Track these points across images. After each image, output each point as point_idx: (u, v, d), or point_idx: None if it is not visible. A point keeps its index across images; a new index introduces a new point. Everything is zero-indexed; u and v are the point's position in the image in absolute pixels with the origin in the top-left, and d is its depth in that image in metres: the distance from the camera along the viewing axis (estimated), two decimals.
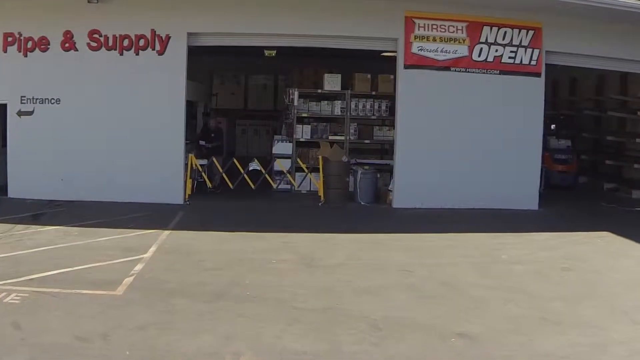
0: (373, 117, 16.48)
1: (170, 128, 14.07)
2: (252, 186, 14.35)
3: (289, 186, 15.91)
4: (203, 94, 20.64)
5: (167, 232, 10.90)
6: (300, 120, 16.19)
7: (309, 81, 17.96)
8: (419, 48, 14.27)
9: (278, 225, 11.97)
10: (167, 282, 7.91)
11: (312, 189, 15.70)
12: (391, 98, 15.43)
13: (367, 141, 16.66)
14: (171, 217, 12.33)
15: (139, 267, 8.53)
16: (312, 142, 16.40)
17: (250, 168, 14.04)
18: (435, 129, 14.52)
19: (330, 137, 16.17)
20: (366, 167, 15.30)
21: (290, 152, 15.94)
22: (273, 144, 16.37)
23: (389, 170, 15.91)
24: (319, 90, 16.19)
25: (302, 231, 11.42)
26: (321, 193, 14.43)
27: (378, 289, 7.96)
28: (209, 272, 8.52)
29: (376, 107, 16.41)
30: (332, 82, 16.10)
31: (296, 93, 15.75)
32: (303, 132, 15.97)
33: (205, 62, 22.62)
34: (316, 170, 15.57)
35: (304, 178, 15.66)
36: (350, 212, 14.23)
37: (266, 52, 20.89)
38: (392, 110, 16.14)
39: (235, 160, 14.26)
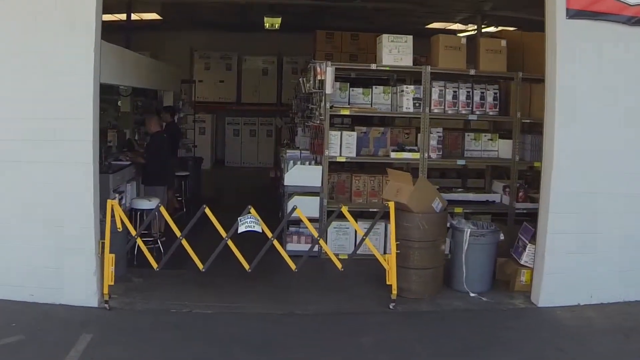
0: (472, 116, 8.31)
1: (65, 137, 5.93)
2: (246, 266, 6.17)
3: (315, 250, 7.77)
4: (173, 79, 12.34)
5: None
6: (335, 122, 8.05)
7: (341, 52, 9.83)
8: None
9: None
10: None
11: (362, 253, 7.66)
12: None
13: (461, 162, 8.48)
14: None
15: None
16: (358, 163, 8.34)
17: (242, 230, 5.90)
18: (635, 143, 6.46)
19: (393, 155, 8.02)
20: (474, 220, 7.24)
21: (319, 183, 7.76)
22: (285, 165, 8.14)
23: (497, 218, 8.01)
24: (373, 66, 7.95)
25: None
26: (392, 280, 6.28)
27: None
28: None
29: (477, 98, 8.28)
30: (398, 51, 7.91)
31: (329, 71, 7.56)
32: (343, 145, 7.79)
33: (184, 38, 16.36)
34: (366, 215, 7.65)
35: (357, 241, 7.64)
36: (454, 326, 6.14)
37: (266, 22, 13.17)
38: (503, 102, 8.16)
39: (207, 212, 6.07)
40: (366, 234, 6.32)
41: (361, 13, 11.48)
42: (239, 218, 6.07)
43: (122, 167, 7.81)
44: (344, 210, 6.25)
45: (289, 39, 16.13)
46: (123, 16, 13.11)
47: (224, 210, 10.56)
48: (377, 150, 8.08)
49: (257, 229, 6.01)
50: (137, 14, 13.88)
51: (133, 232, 6.07)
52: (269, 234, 6.14)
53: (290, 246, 7.80)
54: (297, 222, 7.91)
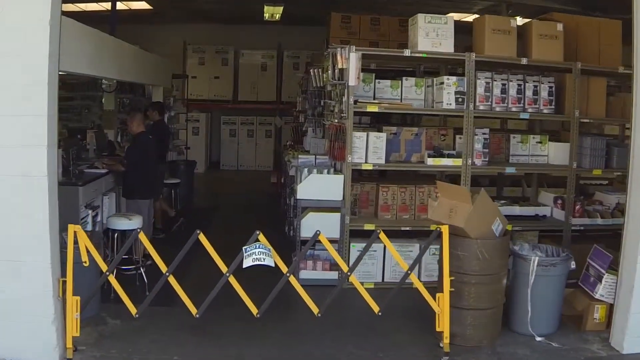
0: (524, 114, 6.77)
1: (7, 143, 4.33)
2: (254, 310, 4.62)
3: (334, 278, 6.25)
4: (163, 73, 10.73)
5: None
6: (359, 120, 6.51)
7: (359, 39, 8.25)
8: None
9: None
10: None
11: (389, 278, 6.20)
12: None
13: (510, 170, 6.92)
14: None
15: None
16: (380, 171, 6.78)
17: (248, 264, 4.35)
18: None
19: (430, 162, 6.47)
20: (536, 244, 5.72)
21: (340, 197, 6.18)
22: (298, 174, 6.53)
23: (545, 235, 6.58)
24: (407, 52, 6.37)
25: None
26: (444, 326, 4.73)
27: None
28: None
29: (529, 92, 6.75)
30: (437, 34, 6.37)
31: (354, 58, 5.98)
32: (370, 150, 6.22)
33: (176, 31, 14.96)
34: (392, 234, 6.15)
35: (386, 265, 6.12)
36: None
37: (266, 12, 12.64)
38: (559, 98, 6.69)
39: (201, 239, 4.51)
40: (411, 268, 4.76)
41: (372, 1, 9.96)
42: (244, 248, 4.51)
43: (97, 176, 6.24)
44: (383, 238, 4.70)
45: (290, 31, 14.70)
46: (108, 5, 11.49)
47: (220, 224, 9.25)
48: (409, 155, 6.55)
49: (269, 262, 4.47)
50: (124, 2, 12.30)
51: (103, 267, 4.50)
52: (284, 269, 4.59)
53: (305, 274, 6.27)
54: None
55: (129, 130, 6.72)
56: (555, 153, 7.22)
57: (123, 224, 5.76)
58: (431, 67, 8.34)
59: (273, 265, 4.48)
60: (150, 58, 9.58)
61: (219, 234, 8.46)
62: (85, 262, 4.40)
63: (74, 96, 13.68)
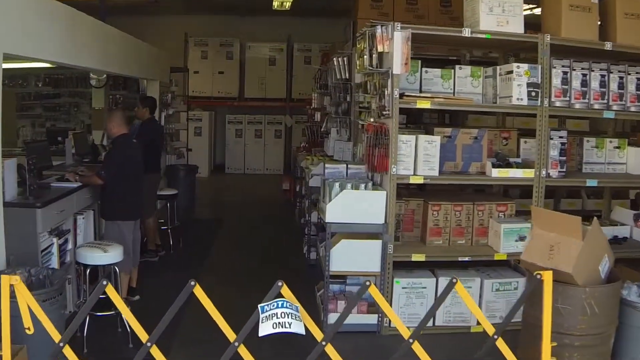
0: (609, 113, 5.27)
1: None
2: None
3: (373, 323, 4.79)
4: (160, 65, 9.25)
5: None
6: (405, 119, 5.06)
7: (393, 21, 6.70)
8: None
9: None
10: None
11: (442, 321, 4.78)
12: None
13: (592, 182, 5.40)
14: None
15: None
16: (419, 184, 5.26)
17: (267, 331, 2.93)
18: None
19: (494, 173, 4.98)
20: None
21: (381, 219, 4.71)
22: (326, 190, 5.00)
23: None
24: (466, 32, 4.88)
25: None
26: None
27: None
28: None
29: (614, 85, 5.26)
30: (502, 10, 4.90)
31: (399, 38, 4.52)
32: (419, 158, 4.75)
33: (177, 22, 13.52)
34: (441, 264, 4.73)
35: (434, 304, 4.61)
36: None
37: (275, 2, 11.50)
38: None
39: (197, 292, 3.07)
40: (499, 331, 3.30)
41: None
42: (260, 307, 3.05)
43: (66, 192, 4.78)
44: (460, 289, 3.25)
45: (302, 22, 13.36)
46: None
47: (224, 244, 7.77)
48: (467, 164, 5.09)
49: (296, 328, 3.01)
50: None
51: (56, 337, 3.05)
52: (318, 335, 3.14)
53: (334, 317, 4.82)
54: (340, 275, 4.97)
55: (108, 133, 5.26)
56: (636, 160, 5.78)
57: (95, 257, 4.33)
58: (479, 57, 6.93)
59: (303, 332, 3.03)
60: (144, 47, 8.14)
61: (224, 258, 7.04)
62: (29, 328, 2.97)
63: (60, 93, 12.31)
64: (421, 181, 4.75)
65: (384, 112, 4.67)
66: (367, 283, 3.16)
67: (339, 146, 6.53)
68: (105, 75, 9.94)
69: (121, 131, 5.10)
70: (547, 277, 3.32)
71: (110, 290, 3.06)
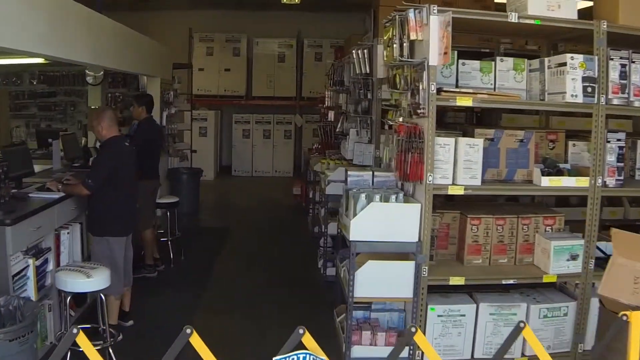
0: None
1: None
2: None
3: (405, 356, 4.06)
4: (161, 61, 8.55)
5: None
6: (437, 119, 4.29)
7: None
8: None
9: None
10: None
11: (481, 353, 4.07)
12: None
13: None
14: None
15: None
16: (447, 195, 4.46)
17: None
18: None
19: (545, 182, 4.25)
20: None
21: (415, 237, 3.99)
22: (349, 202, 4.27)
23: None
24: (512, 17, 4.13)
25: None
26: None
27: None
28: None
29: None
30: None
31: (435, 22, 3.79)
32: (459, 165, 4.02)
33: (181, 17, 12.91)
34: (487, 289, 4.03)
35: (476, 337, 3.91)
36: None
37: None
38: None
39: (194, 342, 2.38)
40: None
41: None
42: None
43: (44, 204, 4.09)
44: (530, 336, 2.55)
45: (312, 17, 12.73)
46: None
47: (231, 259, 6.73)
48: (512, 171, 4.37)
49: None
50: None
51: None
52: None
53: (358, 351, 4.12)
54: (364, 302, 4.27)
55: (97, 136, 4.56)
56: None
57: (77, 283, 3.63)
58: (512, 49, 6.23)
59: None
60: (143, 41, 7.45)
61: (229, 273, 6.34)
62: None
63: (56, 91, 11.65)
64: (461, 192, 4.03)
65: (419, 111, 3.95)
66: (413, 328, 2.45)
67: (359, 149, 5.82)
68: (102, 72, 9.27)
69: (112, 133, 4.41)
70: (636, 318, 2.62)
71: (83, 342, 2.37)
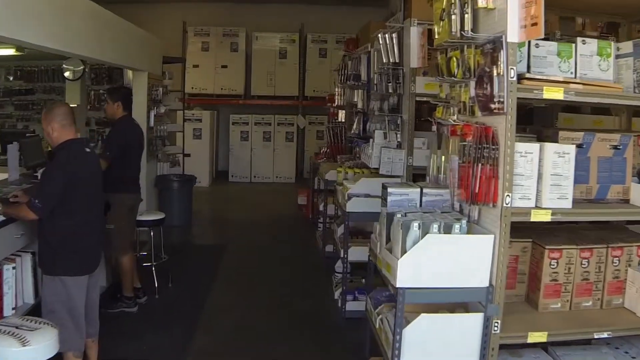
0: None
1: None
2: None
3: None
4: (149, 53, 7.40)
5: None
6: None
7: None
8: None
9: None
10: None
11: None
12: None
13: None
14: None
15: None
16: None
17: None
18: None
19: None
20: None
21: (486, 281, 2.87)
22: (395, 230, 3.13)
23: None
24: None
25: None
26: None
27: None
28: None
29: None
30: None
31: None
32: (545, 180, 2.92)
33: (174, 9, 12.25)
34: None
35: None
36: None
37: None
38: None
39: None
40: None
41: None
42: None
43: None
44: None
45: (316, 10, 11.81)
46: None
47: (227, 290, 5.42)
48: (604, 188, 3.28)
49: None
50: None
51: None
52: None
53: None
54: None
55: (48, 140, 3.39)
56: None
57: (6, 353, 2.50)
58: (569, 35, 5.12)
59: None
60: (126, 28, 6.33)
61: (225, 307, 5.14)
62: None
63: (34, 88, 10.52)
64: (548, 218, 2.92)
65: (492, 105, 2.84)
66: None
67: (387, 155, 4.70)
68: (82, 67, 8.14)
69: (66, 136, 3.28)
70: None
71: None
